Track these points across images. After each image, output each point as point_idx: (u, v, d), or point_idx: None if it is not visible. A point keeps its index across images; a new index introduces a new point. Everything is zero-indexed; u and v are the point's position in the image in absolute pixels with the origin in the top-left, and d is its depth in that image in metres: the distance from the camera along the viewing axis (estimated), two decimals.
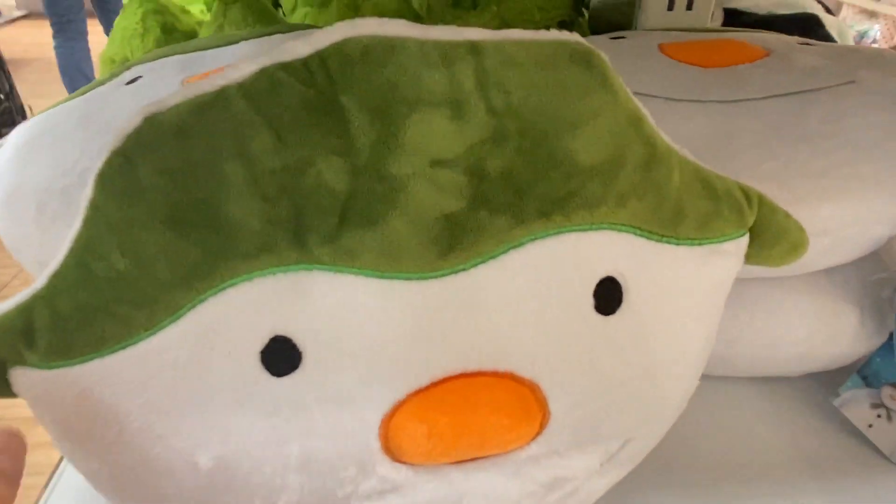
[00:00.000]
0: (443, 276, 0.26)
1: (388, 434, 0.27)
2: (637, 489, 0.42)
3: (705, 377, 0.49)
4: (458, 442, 0.27)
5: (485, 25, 0.67)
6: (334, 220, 0.25)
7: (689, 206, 0.30)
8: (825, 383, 0.48)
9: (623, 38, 0.56)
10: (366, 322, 0.26)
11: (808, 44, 0.52)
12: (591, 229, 0.28)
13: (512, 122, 0.26)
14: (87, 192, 0.25)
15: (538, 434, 0.29)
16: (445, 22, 0.72)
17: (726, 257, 0.32)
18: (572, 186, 0.27)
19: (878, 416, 0.45)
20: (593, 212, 0.28)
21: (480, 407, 0.27)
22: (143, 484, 0.27)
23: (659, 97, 0.44)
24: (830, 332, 0.44)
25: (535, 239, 0.27)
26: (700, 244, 0.30)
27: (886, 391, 0.46)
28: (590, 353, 0.29)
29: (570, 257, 0.28)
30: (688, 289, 0.31)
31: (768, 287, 0.44)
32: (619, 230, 0.28)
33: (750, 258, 0.33)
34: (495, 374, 0.27)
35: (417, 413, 0.26)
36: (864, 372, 0.46)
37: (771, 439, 0.46)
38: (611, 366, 0.29)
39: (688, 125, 0.42)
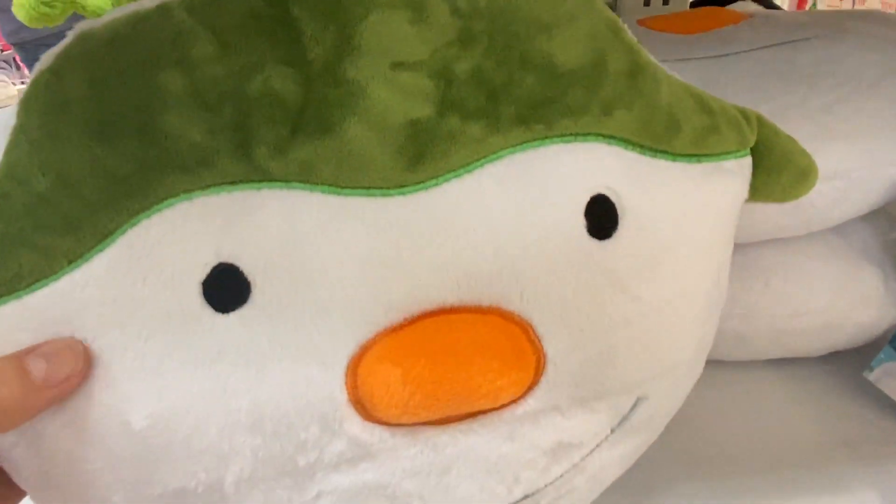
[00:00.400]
0: (412, 191, 0.23)
1: (356, 382, 0.23)
2: (661, 483, 0.37)
3: (727, 364, 0.46)
4: (441, 389, 0.22)
5: None
6: (285, 130, 0.22)
7: (682, 119, 0.27)
8: (854, 363, 0.44)
9: None
10: (324, 246, 0.22)
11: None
12: (576, 140, 0.25)
13: (479, 24, 0.24)
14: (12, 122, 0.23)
15: (534, 385, 0.24)
16: None
17: (730, 177, 0.28)
18: (552, 92, 0.25)
19: None
20: (577, 120, 0.25)
21: (464, 347, 0.23)
22: (68, 458, 0.22)
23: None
24: (854, 298, 0.40)
25: (515, 150, 0.24)
26: (699, 160, 0.27)
27: None
28: (586, 284, 0.25)
29: (554, 171, 0.25)
30: (690, 212, 0.27)
31: (783, 253, 0.41)
32: (609, 142, 0.26)
33: (757, 190, 0.30)
34: (479, 310, 0.24)
35: (390, 355, 0.22)
36: None
37: (803, 426, 0.41)
38: (612, 299, 0.25)
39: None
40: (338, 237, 0.22)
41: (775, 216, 0.37)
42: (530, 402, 0.25)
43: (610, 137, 0.26)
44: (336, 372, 0.23)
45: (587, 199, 0.25)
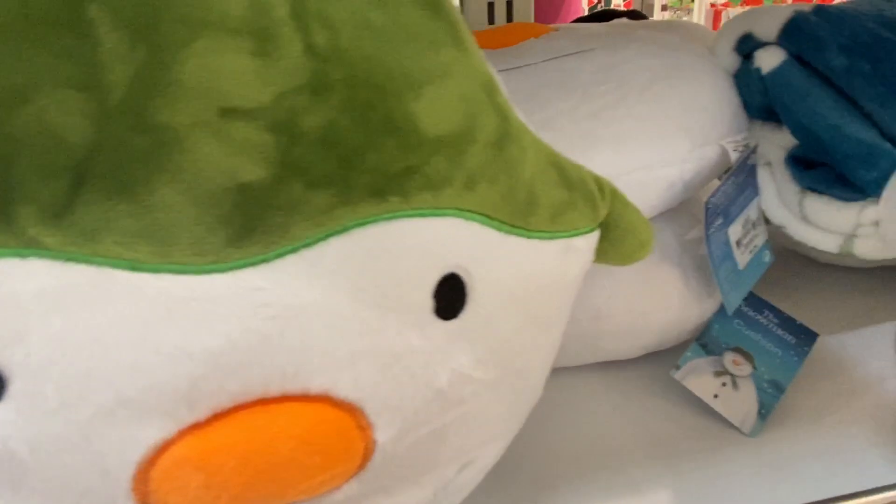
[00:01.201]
0: (234, 268, 0.19)
1: (147, 488, 0.20)
2: (483, 491, 0.37)
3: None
4: (251, 492, 0.20)
5: None
6: (64, 184, 0.18)
7: (542, 194, 0.26)
8: (672, 362, 0.45)
9: None
10: (111, 333, 0.18)
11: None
12: (433, 215, 0.22)
13: (338, 69, 0.20)
14: None
15: (360, 470, 0.22)
16: None
17: (578, 255, 0.28)
18: (413, 160, 0.21)
19: (724, 384, 0.42)
20: (438, 194, 0.22)
21: (282, 444, 0.20)
22: None
23: None
24: (655, 299, 0.41)
25: (365, 224, 0.21)
26: (552, 238, 0.26)
27: (728, 357, 0.43)
28: (425, 368, 0.23)
29: (407, 249, 0.22)
30: (538, 290, 0.26)
31: None
32: (467, 218, 0.23)
33: (598, 256, 0.30)
34: (305, 398, 0.21)
35: (192, 457, 0.19)
36: (704, 339, 0.43)
37: (617, 425, 0.41)
38: (449, 381, 0.24)
39: None
40: (129, 324, 0.18)
41: None
42: (354, 487, 0.23)
43: (469, 212, 0.23)
44: (120, 480, 0.19)
45: (438, 278, 0.23)
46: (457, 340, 0.24)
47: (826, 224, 0.36)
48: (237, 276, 0.19)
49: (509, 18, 0.63)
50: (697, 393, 0.41)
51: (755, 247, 0.42)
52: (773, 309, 0.45)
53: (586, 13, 1.04)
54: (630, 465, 0.38)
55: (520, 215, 0.25)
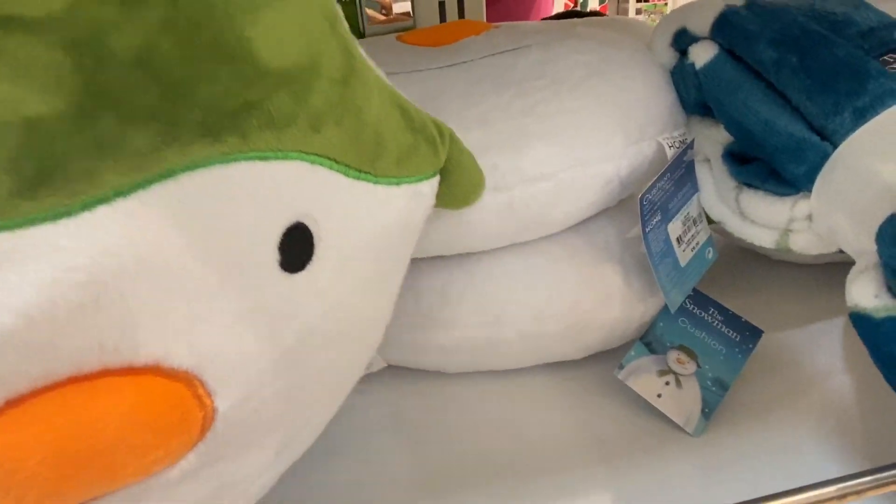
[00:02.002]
0: (24, 224, 0.16)
1: None
2: (428, 490, 0.36)
3: (496, 374, 0.46)
4: (67, 487, 0.17)
5: None
6: None
7: (388, 137, 0.25)
8: (617, 362, 0.44)
9: None
10: None
11: None
12: (276, 158, 0.20)
13: None
14: None
15: (198, 442, 0.20)
16: None
17: (423, 200, 0.27)
18: (253, 95, 0.19)
19: (667, 383, 0.41)
20: (280, 135, 0.20)
21: (104, 425, 0.17)
22: None
23: (394, 73, 0.43)
24: (597, 298, 0.41)
25: (195, 168, 0.18)
26: (399, 183, 0.25)
27: (672, 355, 0.43)
28: (271, 326, 0.21)
29: (247, 197, 0.20)
30: (386, 238, 0.25)
31: (525, 257, 0.41)
32: (312, 162, 0.21)
33: (437, 199, 0.29)
34: (130, 372, 0.18)
35: None
36: (648, 338, 0.43)
37: (561, 427, 0.41)
38: (297, 337, 0.22)
39: (404, 90, 0.39)
40: None
41: (491, 223, 0.37)
42: (192, 461, 0.21)
43: (314, 156, 0.21)
44: None
45: (283, 230, 0.21)
46: (304, 295, 0.22)
47: (761, 219, 0.36)
48: (30, 233, 0.16)
49: (461, 17, 0.62)
50: (641, 392, 0.41)
51: (697, 244, 0.42)
52: (718, 306, 0.45)
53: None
54: (573, 466, 0.38)
55: (367, 159, 0.24)
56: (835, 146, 0.32)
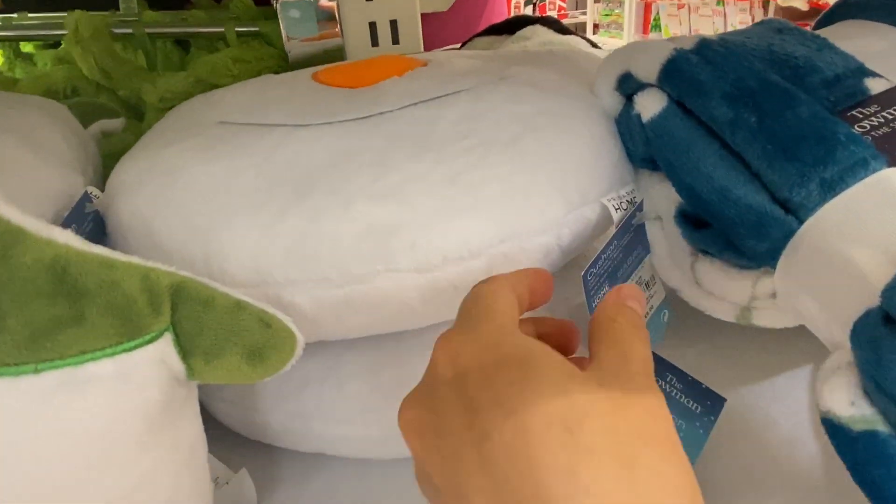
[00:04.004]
0: None
1: None
2: None
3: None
4: None
5: (179, 86, 0.59)
6: None
7: (13, 308, 0.20)
8: None
9: None
10: None
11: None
12: None
13: None
14: None
15: None
16: (133, 88, 0.64)
17: (104, 388, 0.22)
18: None
19: None
20: None
21: None
22: None
23: (286, 125, 0.37)
24: None
25: None
26: (36, 371, 0.20)
27: None
28: None
29: None
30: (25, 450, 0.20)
31: None
32: None
33: (200, 373, 0.25)
34: None
35: None
36: None
37: None
38: None
39: (312, 149, 0.35)
40: None
41: (414, 306, 0.32)
42: None
43: None
44: None
45: None
46: None
47: (720, 293, 0.32)
48: None
49: (395, 40, 0.57)
50: None
51: (651, 307, 0.38)
52: (677, 372, 0.41)
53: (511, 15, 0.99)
54: None
55: None
56: (801, 221, 0.28)
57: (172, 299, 0.24)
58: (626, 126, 0.35)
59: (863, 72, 0.32)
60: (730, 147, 0.30)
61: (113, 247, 0.37)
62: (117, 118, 0.54)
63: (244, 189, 0.33)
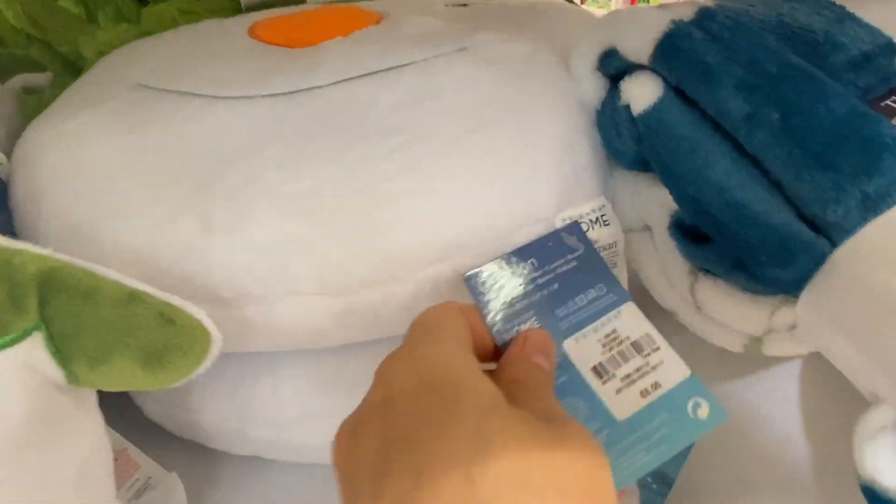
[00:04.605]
0: None
1: None
2: None
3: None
4: None
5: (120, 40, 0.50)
6: None
7: None
8: None
9: None
10: None
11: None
12: None
13: None
14: None
15: None
16: (70, 41, 0.57)
17: None
18: None
19: None
20: None
21: None
22: None
23: (204, 96, 0.31)
24: None
25: None
26: None
27: None
28: None
29: None
30: None
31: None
32: None
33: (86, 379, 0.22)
34: None
35: None
36: None
37: None
38: None
39: (225, 131, 0.30)
40: None
41: (327, 329, 0.28)
42: None
43: None
44: None
45: None
46: None
47: (726, 321, 0.27)
48: None
49: None
50: None
51: (653, 386, 0.26)
52: None
53: None
54: None
55: None
56: (834, 244, 0.22)
57: (41, 292, 0.21)
58: (611, 120, 0.29)
59: (893, 49, 0.27)
60: (743, 148, 0.24)
61: (13, 223, 0.32)
62: (42, 73, 0.48)
63: (142, 175, 0.29)
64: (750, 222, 0.23)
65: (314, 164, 0.26)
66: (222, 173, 0.28)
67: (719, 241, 0.26)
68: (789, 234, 0.23)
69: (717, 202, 0.24)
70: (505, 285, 0.26)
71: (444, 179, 0.26)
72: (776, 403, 0.39)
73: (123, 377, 0.23)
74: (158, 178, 0.29)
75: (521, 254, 0.27)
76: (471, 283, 0.26)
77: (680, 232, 0.27)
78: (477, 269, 0.26)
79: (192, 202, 0.27)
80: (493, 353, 0.25)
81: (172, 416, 0.35)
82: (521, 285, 0.26)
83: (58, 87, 0.51)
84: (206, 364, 0.23)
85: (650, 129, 0.26)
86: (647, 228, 0.30)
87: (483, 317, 0.25)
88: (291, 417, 0.33)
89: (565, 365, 0.26)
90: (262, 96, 0.30)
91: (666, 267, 0.29)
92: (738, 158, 0.24)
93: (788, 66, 0.24)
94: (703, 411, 0.25)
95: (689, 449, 0.34)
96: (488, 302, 0.26)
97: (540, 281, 0.27)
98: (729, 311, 0.26)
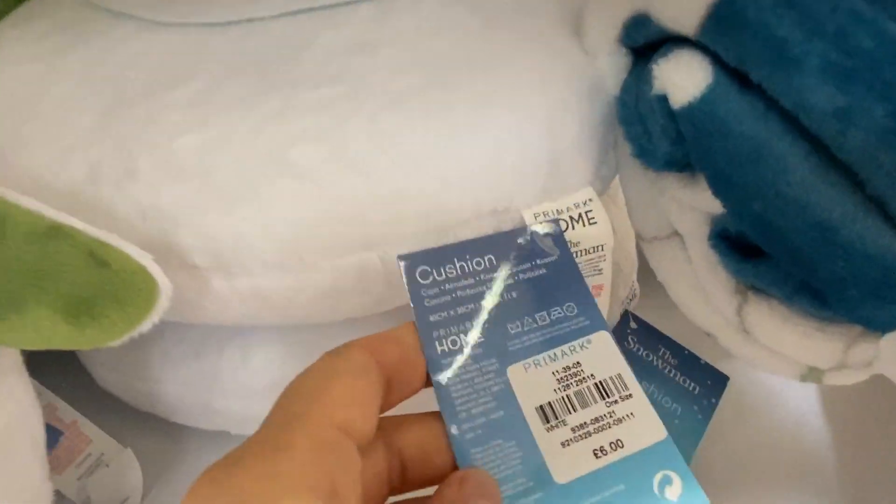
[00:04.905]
0: None
1: None
2: None
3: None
4: None
5: None
6: None
7: None
8: None
9: None
10: None
11: None
12: None
13: None
14: None
15: None
16: None
17: None
18: None
19: None
20: None
21: None
22: None
23: (140, 18, 0.28)
24: None
25: None
26: None
27: None
28: None
29: None
30: None
31: None
32: None
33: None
34: None
35: None
36: None
37: None
38: None
39: (145, 60, 0.26)
40: None
41: (234, 308, 0.24)
42: None
43: None
44: None
45: None
46: None
47: (786, 349, 0.22)
48: None
49: None
50: None
51: (616, 443, 0.20)
52: (671, 345, 0.32)
53: None
54: None
55: None
56: None
57: None
58: (636, 112, 0.22)
59: None
60: (829, 152, 0.19)
61: None
62: None
63: (56, 102, 0.26)
64: (839, 249, 0.18)
65: (224, 112, 0.22)
66: (122, 113, 0.25)
67: (784, 261, 0.21)
68: (894, 267, 0.18)
69: (794, 223, 0.19)
70: (450, 280, 0.21)
71: (373, 150, 0.21)
72: (791, 381, 0.38)
73: (40, 331, 0.19)
74: (68, 109, 0.26)
75: (476, 247, 0.22)
76: (407, 269, 0.21)
77: (725, 244, 0.22)
78: (415, 251, 0.21)
79: (87, 142, 0.24)
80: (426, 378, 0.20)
81: (129, 385, 0.33)
82: (470, 286, 0.21)
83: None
84: (151, 320, 0.20)
85: (698, 128, 0.20)
86: (675, 234, 0.25)
87: (415, 316, 0.20)
88: (261, 388, 0.30)
89: (504, 397, 0.20)
90: (197, 25, 0.26)
91: (704, 283, 0.24)
92: (821, 164, 0.19)
93: (886, 38, 0.18)
94: (674, 490, 0.19)
95: (702, 431, 0.31)
96: (425, 298, 0.20)
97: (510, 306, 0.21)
98: (790, 342, 0.22)
